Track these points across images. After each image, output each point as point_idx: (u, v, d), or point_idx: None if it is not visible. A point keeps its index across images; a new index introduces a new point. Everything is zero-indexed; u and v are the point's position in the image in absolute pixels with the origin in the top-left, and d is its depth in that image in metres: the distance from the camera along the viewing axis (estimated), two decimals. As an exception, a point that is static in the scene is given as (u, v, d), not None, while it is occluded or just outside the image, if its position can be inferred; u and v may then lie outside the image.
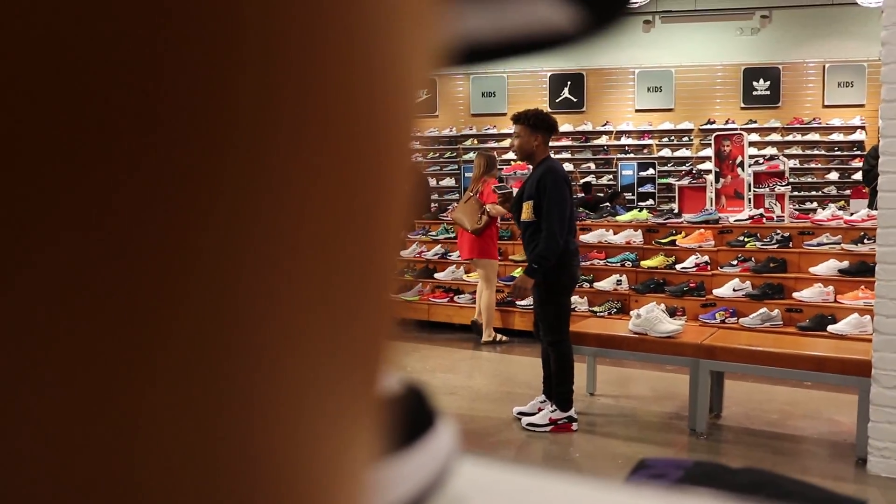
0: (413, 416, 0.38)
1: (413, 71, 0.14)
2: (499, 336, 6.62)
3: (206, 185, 0.11)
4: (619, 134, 13.05)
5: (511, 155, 12.34)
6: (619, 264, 6.90)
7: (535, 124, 4.33)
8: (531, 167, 4.47)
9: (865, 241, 5.89)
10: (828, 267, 6.08)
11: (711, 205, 7.36)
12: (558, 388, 4.30)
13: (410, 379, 0.40)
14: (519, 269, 4.66)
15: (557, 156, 12.94)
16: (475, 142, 13.37)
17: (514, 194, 4.61)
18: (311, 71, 0.12)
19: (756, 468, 0.78)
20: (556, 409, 4.29)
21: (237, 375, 0.12)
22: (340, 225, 0.13)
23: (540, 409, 4.38)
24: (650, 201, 11.99)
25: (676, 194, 7.90)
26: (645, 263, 6.82)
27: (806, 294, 6.02)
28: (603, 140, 13.06)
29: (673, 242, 6.78)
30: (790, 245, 6.35)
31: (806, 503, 0.75)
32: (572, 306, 6.66)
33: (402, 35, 0.14)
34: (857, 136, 12.10)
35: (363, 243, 0.14)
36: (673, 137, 12.83)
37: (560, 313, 4.30)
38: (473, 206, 6.43)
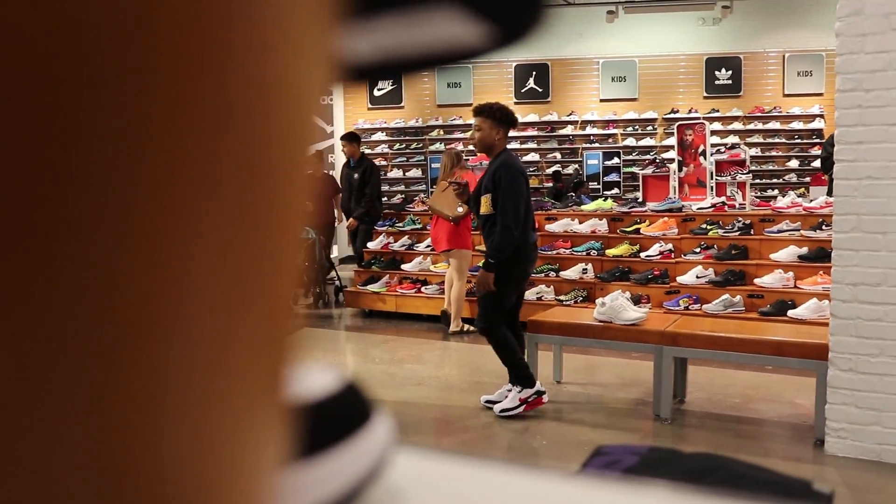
0: (348, 411, 0.39)
1: (306, 82, 0.15)
2: (467, 326, 6.64)
3: (63, 185, 0.11)
4: (585, 124, 13.12)
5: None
6: (584, 253, 6.96)
7: (501, 118, 4.34)
8: (489, 160, 4.48)
9: (824, 227, 6.01)
10: (788, 253, 6.20)
11: (675, 193, 7.46)
12: (513, 371, 4.35)
13: (345, 373, 0.41)
14: (482, 261, 4.68)
15: (524, 146, 12.98)
16: (441, 132, 13.36)
17: (474, 187, 4.63)
18: (190, 74, 0.12)
19: (709, 453, 0.81)
20: (522, 389, 4.33)
21: (124, 375, 0.12)
22: (229, 224, 0.13)
23: (507, 397, 4.42)
24: (615, 190, 12.09)
25: (640, 183, 7.98)
26: (610, 252, 6.89)
27: (767, 280, 6.14)
28: (568, 130, 13.12)
29: (637, 231, 6.86)
30: (751, 232, 6.47)
31: (755, 485, 0.78)
32: (538, 295, 6.74)
33: (294, 47, 0.14)
34: (817, 124, 12.31)
35: (256, 244, 0.14)
36: (637, 127, 12.94)
37: (499, 305, 4.32)
38: (451, 194, 6.43)
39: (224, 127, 0.13)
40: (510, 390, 4.44)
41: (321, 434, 0.37)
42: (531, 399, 4.34)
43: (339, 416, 0.39)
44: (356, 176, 7.98)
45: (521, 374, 4.34)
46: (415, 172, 13.45)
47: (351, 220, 8.07)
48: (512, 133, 14.77)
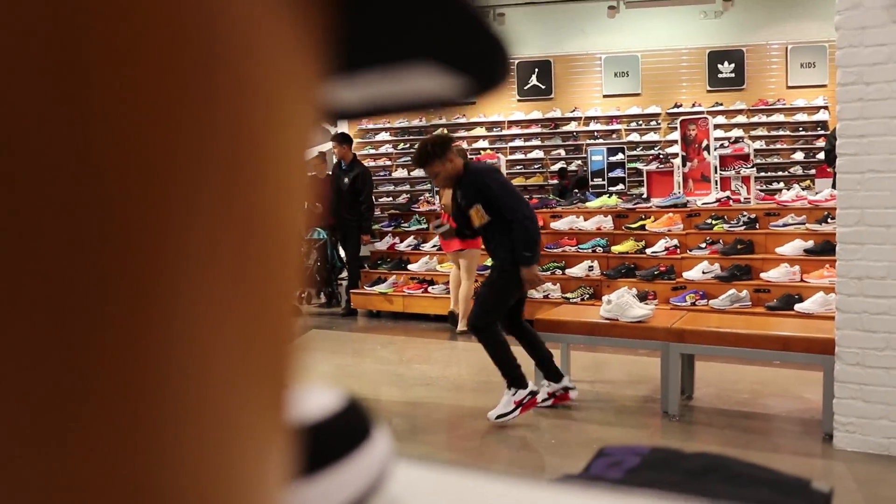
0: (349, 428, 0.41)
1: (295, 90, 0.16)
2: (474, 325, 6.65)
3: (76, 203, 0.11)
4: (588, 120, 13.11)
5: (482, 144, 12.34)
6: (590, 250, 6.97)
7: (441, 150, 4.31)
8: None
9: (829, 220, 6.00)
10: (793, 247, 6.20)
11: (679, 189, 7.45)
12: (505, 371, 4.28)
13: (346, 391, 0.43)
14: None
15: (528, 143, 12.99)
16: (444, 131, 13.38)
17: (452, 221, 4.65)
18: (177, 76, 0.13)
19: (708, 452, 0.82)
20: (516, 392, 4.29)
21: (124, 376, 0.12)
22: (221, 224, 0.14)
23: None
24: (620, 186, 12.08)
25: (645, 179, 7.98)
26: (616, 249, 6.90)
27: (773, 274, 6.14)
28: (572, 126, 13.11)
29: (643, 227, 6.86)
30: (757, 226, 6.46)
31: (755, 484, 0.80)
32: (545, 293, 6.75)
33: (278, 57, 0.15)
34: (821, 115, 12.27)
35: (252, 244, 0.15)
36: (641, 122, 12.92)
37: (499, 304, 4.31)
38: None
39: (210, 129, 0.13)
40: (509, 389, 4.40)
41: (323, 451, 0.39)
42: (526, 400, 4.27)
43: (341, 434, 0.40)
44: (346, 181, 7.70)
45: (514, 375, 4.27)
46: (419, 172, 13.46)
47: (364, 237, 7.92)
48: (516, 130, 14.56)
